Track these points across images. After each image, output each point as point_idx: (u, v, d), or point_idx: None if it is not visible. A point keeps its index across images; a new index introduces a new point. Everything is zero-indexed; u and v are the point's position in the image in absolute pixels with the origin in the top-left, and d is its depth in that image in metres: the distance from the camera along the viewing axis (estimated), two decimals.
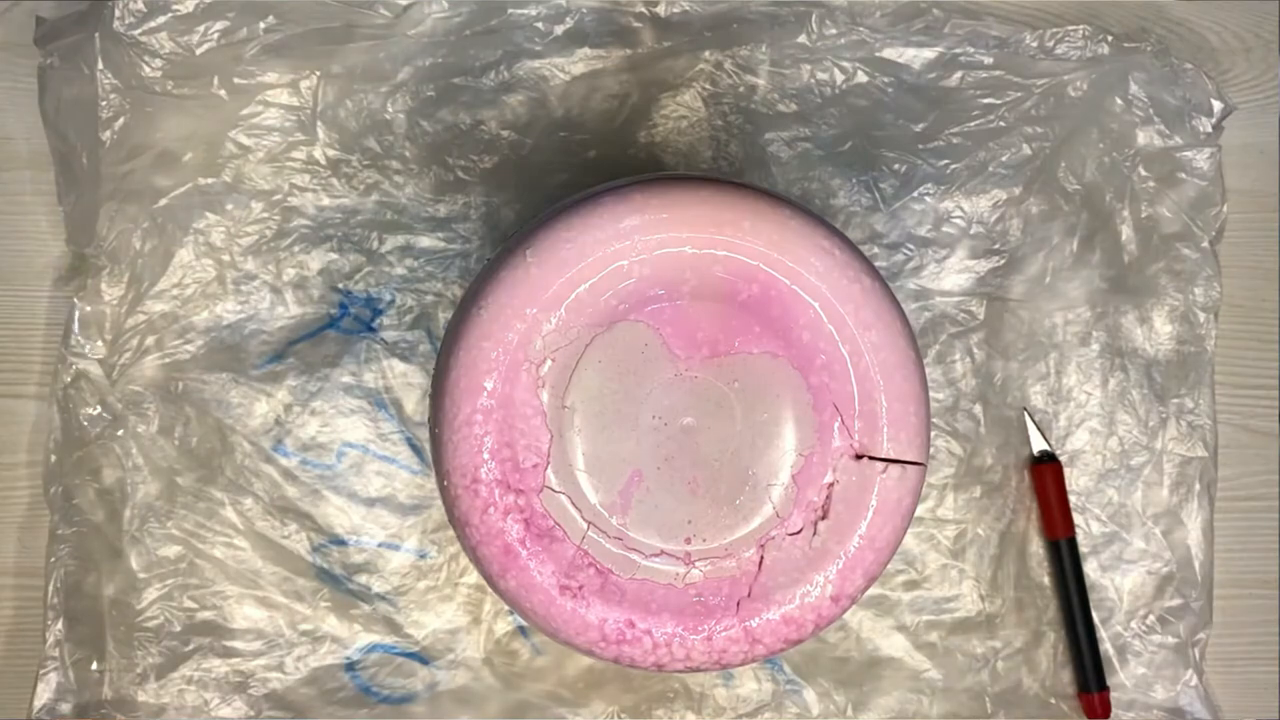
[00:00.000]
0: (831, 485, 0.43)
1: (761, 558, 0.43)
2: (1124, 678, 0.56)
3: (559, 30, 0.56)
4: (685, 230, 0.42)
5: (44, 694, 0.53)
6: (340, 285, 0.56)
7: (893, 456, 0.42)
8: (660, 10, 0.56)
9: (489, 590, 0.54)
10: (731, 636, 0.43)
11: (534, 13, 0.56)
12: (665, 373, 0.43)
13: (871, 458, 0.43)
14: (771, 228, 0.42)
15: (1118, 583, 0.56)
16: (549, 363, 0.42)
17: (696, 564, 0.43)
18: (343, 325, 0.55)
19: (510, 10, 0.55)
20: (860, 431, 0.43)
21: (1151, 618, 0.56)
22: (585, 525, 0.43)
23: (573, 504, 0.43)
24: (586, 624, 0.42)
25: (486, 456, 0.42)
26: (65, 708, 0.53)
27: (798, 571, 0.43)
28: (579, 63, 0.56)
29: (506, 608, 0.54)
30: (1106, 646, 0.56)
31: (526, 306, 0.42)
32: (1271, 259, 0.59)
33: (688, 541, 0.43)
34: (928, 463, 0.43)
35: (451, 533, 0.55)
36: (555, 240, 0.42)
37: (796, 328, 0.43)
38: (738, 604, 0.43)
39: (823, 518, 0.43)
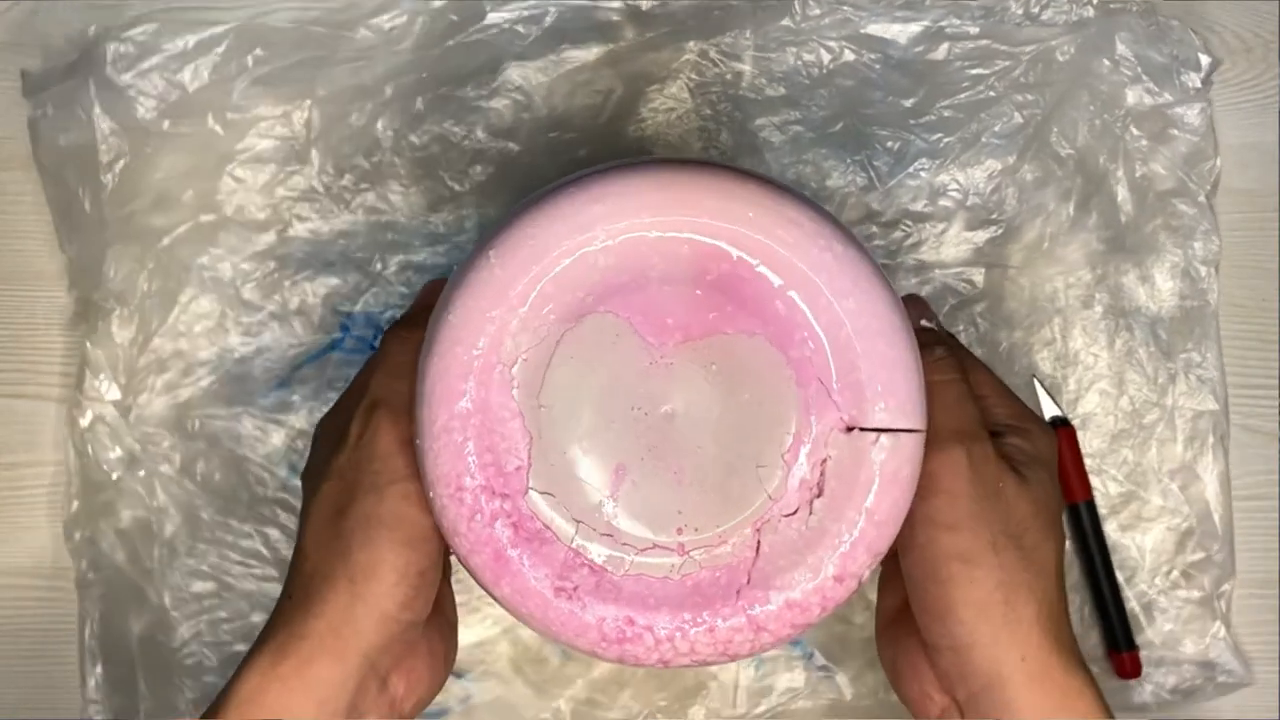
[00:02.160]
0: (824, 461, 0.41)
1: (758, 542, 0.41)
2: (1151, 635, 0.56)
3: (537, 31, 0.55)
4: (648, 215, 0.40)
5: None
6: (342, 308, 0.56)
7: (885, 425, 0.41)
8: (640, 3, 0.55)
9: None
10: (735, 626, 0.41)
11: (512, 15, 0.55)
12: (640, 362, 0.42)
13: (862, 429, 0.41)
14: (736, 204, 0.41)
15: (1139, 541, 0.56)
16: (521, 362, 0.41)
17: (691, 554, 0.42)
18: (346, 347, 0.56)
19: (489, 14, 0.55)
20: (847, 403, 0.41)
21: (1175, 573, 0.56)
22: (574, 524, 0.42)
23: (559, 504, 0.42)
24: (585, 625, 0.41)
25: (469, 463, 0.41)
26: None
27: (797, 554, 0.41)
28: (561, 61, 0.56)
29: None
30: (1132, 605, 0.56)
31: (493, 308, 0.40)
32: (1271, 259, 0.58)
33: (679, 532, 0.42)
34: (925, 428, 0.41)
35: None
36: (518, 238, 0.41)
37: (770, 303, 0.41)
38: (738, 592, 0.41)
39: (818, 495, 0.41)
